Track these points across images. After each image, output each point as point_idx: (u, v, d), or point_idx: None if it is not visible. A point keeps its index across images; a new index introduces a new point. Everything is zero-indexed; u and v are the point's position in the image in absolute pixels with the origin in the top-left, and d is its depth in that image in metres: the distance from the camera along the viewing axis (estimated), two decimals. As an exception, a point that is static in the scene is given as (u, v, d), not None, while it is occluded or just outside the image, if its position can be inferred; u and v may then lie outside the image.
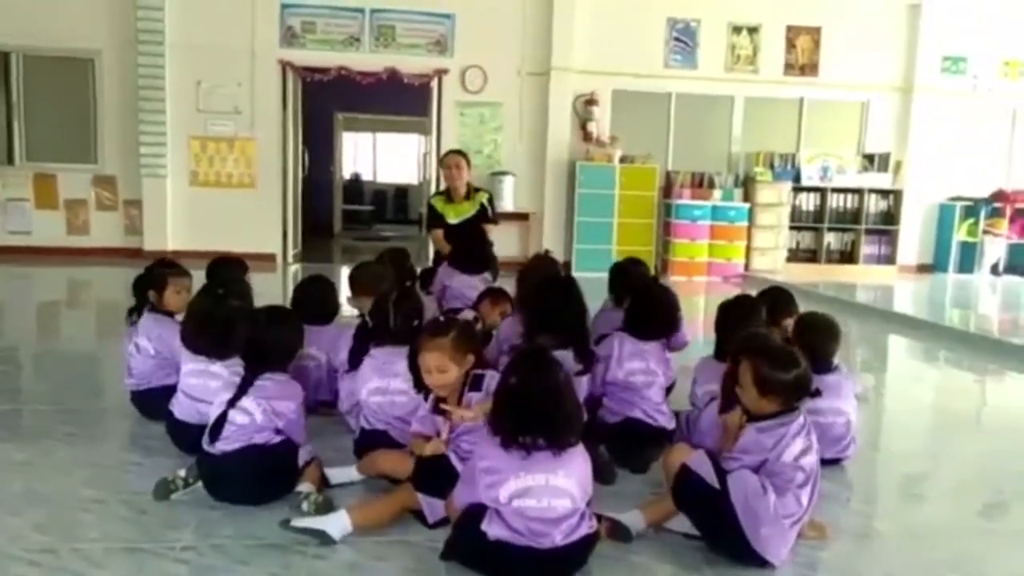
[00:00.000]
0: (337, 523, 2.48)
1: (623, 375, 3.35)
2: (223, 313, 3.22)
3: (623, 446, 3.23)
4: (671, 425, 3.37)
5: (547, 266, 4.57)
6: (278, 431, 2.84)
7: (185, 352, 3.27)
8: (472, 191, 5.81)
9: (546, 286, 3.50)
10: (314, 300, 3.93)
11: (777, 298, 3.87)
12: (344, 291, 4.39)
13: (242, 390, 2.80)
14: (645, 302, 3.51)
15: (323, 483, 2.86)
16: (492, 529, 2.26)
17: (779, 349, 2.62)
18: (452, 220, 5.69)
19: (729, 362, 2.74)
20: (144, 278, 3.79)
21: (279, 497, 2.74)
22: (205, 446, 2.79)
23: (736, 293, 4.04)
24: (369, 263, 4.51)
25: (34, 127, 9.57)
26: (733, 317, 3.44)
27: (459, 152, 5.95)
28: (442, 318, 3.00)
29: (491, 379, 2.72)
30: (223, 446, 2.75)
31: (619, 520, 2.58)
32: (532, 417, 2.26)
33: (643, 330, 3.43)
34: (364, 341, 3.35)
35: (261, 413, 2.79)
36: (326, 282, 4.11)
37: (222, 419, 2.76)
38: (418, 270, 5.19)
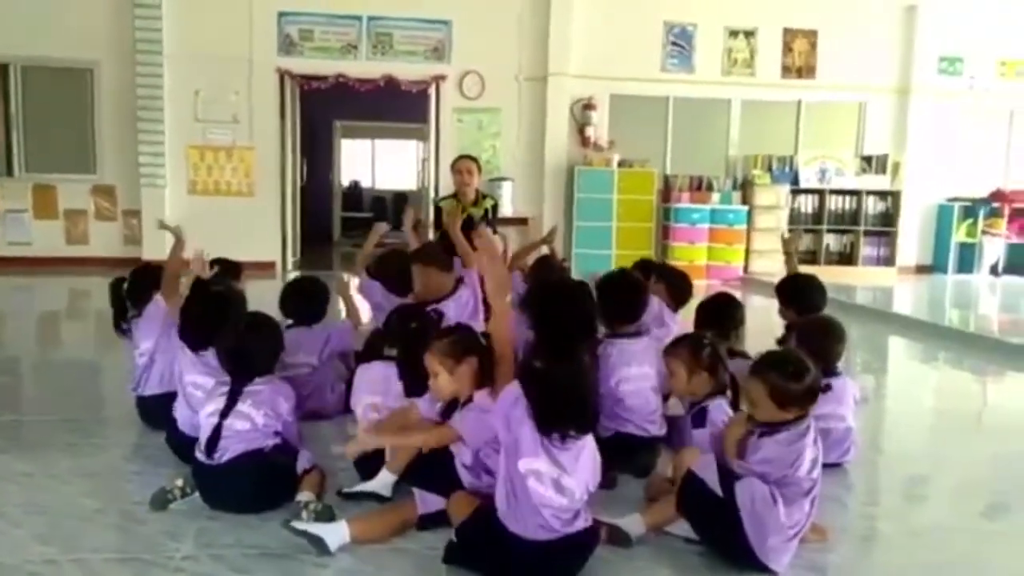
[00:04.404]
0: (336, 533, 2.48)
1: (614, 383, 3.23)
2: (218, 297, 3.33)
3: (616, 458, 3.19)
4: (663, 431, 3.32)
5: (548, 271, 4.56)
6: (277, 433, 2.84)
7: (185, 358, 3.27)
8: (480, 197, 5.84)
9: (553, 293, 3.44)
10: (299, 299, 3.94)
11: (802, 289, 3.93)
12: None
13: (232, 401, 2.78)
14: (611, 295, 3.40)
15: (323, 490, 2.85)
16: (509, 524, 2.29)
17: (790, 360, 2.58)
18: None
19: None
20: (146, 278, 3.77)
21: (279, 505, 2.73)
22: (200, 458, 2.77)
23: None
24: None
25: (33, 138, 9.57)
26: (708, 315, 3.54)
27: (471, 157, 5.97)
28: (451, 325, 3.01)
29: (465, 411, 2.72)
30: (220, 455, 2.74)
31: (618, 525, 2.58)
32: (561, 403, 2.25)
33: (621, 318, 3.34)
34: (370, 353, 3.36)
35: (262, 416, 2.79)
36: (311, 281, 4.11)
37: (217, 433, 2.74)
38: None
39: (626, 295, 3.41)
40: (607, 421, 3.25)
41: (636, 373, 3.28)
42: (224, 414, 2.76)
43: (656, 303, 3.90)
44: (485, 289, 2.75)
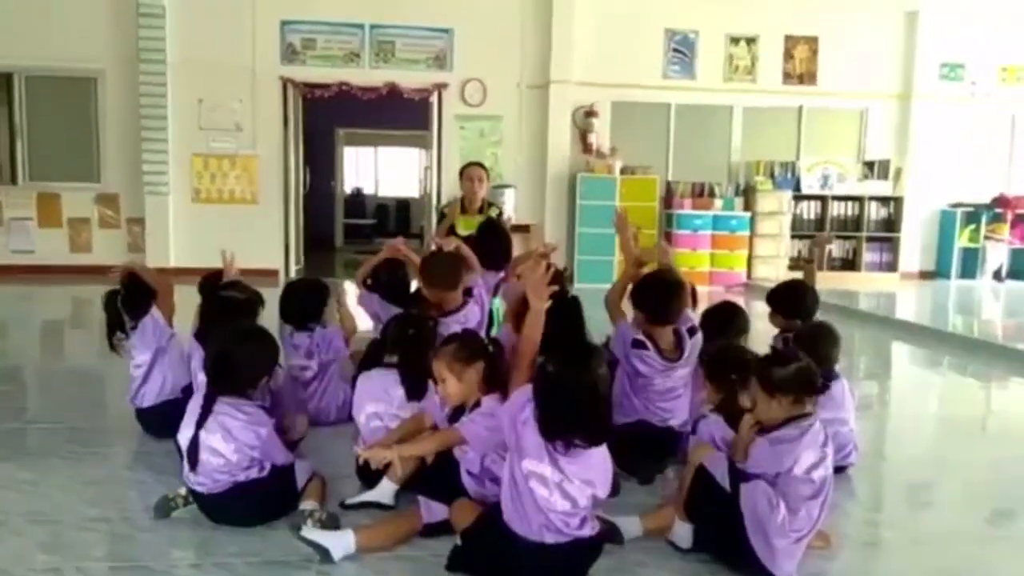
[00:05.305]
0: (342, 542, 2.47)
1: (642, 383, 3.28)
2: (231, 303, 3.42)
3: (633, 450, 3.16)
4: (687, 428, 3.30)
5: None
6: (260, 464, 2.75)
7: (199, 359, 3.27)
8: (486, 205, 5.85)
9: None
10: (293, 301, 3.94)
11: (790, 295, 3.91)
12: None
13: (205, 412, 2.69)
14: (650, 292, 3.38)
15: (326, 498, 2.85)
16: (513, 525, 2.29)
17: (776, 351, 2.68)
18: (461, 232, 5.70)
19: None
20: (141, 286, 3.73)
21: (281, 516, 2.72)
22: (190, 483, 2.72)
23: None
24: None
25: (37, 146, 9.59)
26: (715, 323, 3.51)
27: (480, 165, 5.97)
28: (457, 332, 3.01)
29: (473, 415, 2.69)
30: (211, 486, 2.68)
31: (614, 522, 2.59)
32: (566, 411, 2.24)
33: (660, 315, 3.31)
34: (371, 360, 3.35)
35: (234, 452, 2.68)
36: (307, 283, 4.12)
37: (195, 447, 2.67)
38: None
39: (662, 295, 3.34)
40: (639, 403, 3.28)
41: (671, 388, 3.31)
42: (199, 423, 2.68)
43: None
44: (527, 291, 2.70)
